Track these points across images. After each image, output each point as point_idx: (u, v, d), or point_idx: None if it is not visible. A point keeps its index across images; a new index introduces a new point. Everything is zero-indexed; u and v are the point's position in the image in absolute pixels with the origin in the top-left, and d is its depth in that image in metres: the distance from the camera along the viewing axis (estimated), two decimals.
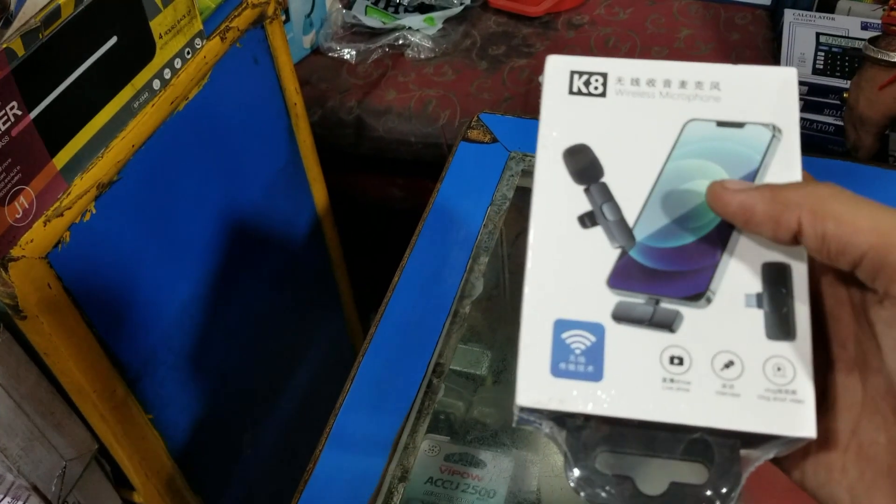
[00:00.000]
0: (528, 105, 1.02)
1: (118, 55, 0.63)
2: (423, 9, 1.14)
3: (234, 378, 0.90)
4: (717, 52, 1.08)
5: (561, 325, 0.29)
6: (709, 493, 0.27)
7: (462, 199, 0.60)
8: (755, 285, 0.29)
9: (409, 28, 1.10)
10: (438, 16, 1.12)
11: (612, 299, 0.29)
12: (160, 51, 0.68)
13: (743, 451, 0.28)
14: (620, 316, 0.29)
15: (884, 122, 0.87)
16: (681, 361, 0.28)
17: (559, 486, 0.55)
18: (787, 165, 0.30)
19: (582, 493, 0.28)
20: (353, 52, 1.10)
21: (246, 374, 0.93)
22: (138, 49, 0.65)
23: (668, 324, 0.28)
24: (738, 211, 0.28)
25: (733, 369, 0.28)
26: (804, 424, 0.27)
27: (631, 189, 0.31)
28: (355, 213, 1.19)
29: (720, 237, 0.29)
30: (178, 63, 0.70)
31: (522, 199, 0.63)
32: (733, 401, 0.27)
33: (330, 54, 1.11)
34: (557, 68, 0.33)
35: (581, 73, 0.32)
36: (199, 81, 0.74)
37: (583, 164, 0.31)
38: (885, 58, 0.81)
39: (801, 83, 1.08)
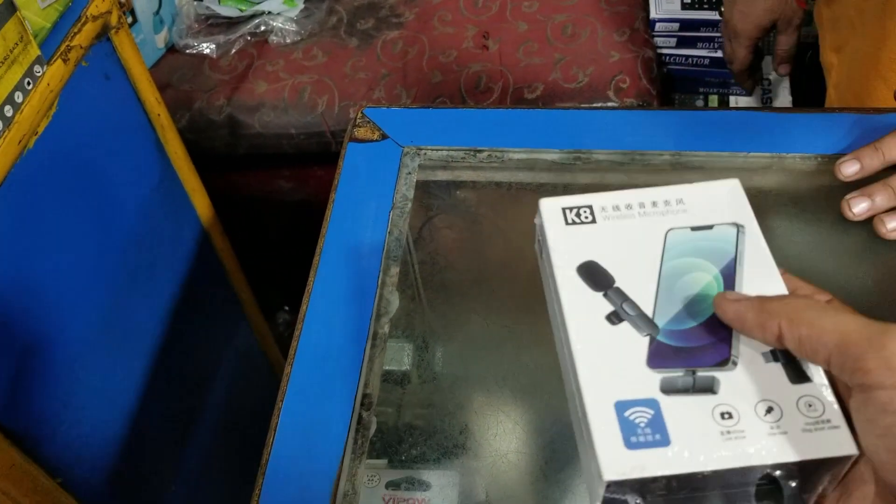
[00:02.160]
0: (407, 80, 0.98)
1: None
2: None
3: (144, 415, 0.85)
4: None
5: (621, 406, 0.33)
6: None
7: (360, 206, 0.56)
8: (764, 345, 0.34)
9: (269, 13, 1.04)
10: None
11: (655, 377, 0.34)
12: None
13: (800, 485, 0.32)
14: (667, 389, 0.33)
15: (756, 34, 0.89)
16: (730, 415, 0.32)
17: (509, 492, 0.54)
18: (756, 252, 0.37)
19: None
20: (213, 46, 1.03)
21: (157, 407, 0.88)
22: None
23: (709, 388, 0.33)
24: (734, 318, 0.34)
25: (774, 413, 0.32)
26: (846, 444, 0.31)
27: (640, 289, 0.36)
28: (243, 214, 1.13)
29: None
30: (18, 97, 0.63)
31: (423, 195, 0.60)
32: (784, 438, 0.31)
33: (188, 51, 1.04)
34: (551, 208, 0.39)
35: (571, 208, 0.39)
36: (46, 112, 0.66)
37: (596, 276, 0.37)
38: None
39: (671, 20, 1.08)
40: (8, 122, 0.62)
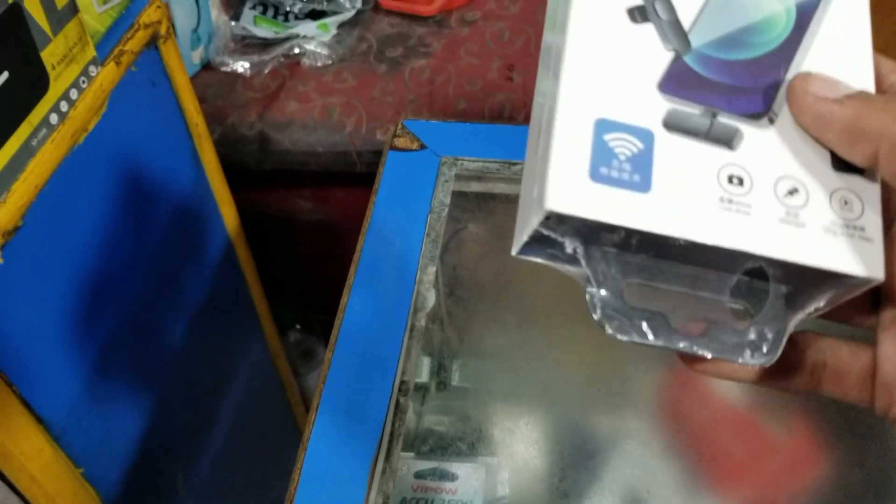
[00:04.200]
0: (433, 105, 1.02)
1: (11, 91, 0.58)
2: (314, 15, 1.12)
3: (161, 417, 0.86)
4: None
5: (603, 126, 0.25)
6: (752, 337, 0.24)
7: (399, 210, 0.59)
8: None
9: (304, 36, 1.08)
10: (332, 21, 1.09)
11: (663, 105, 0.25)
12: (54, 82, 0.63)
13: (789, 293, 0.25)
14: (673, 124, 0.25)
15: None
16: (741, 182, 0.24)
17: (529, 489, 0.55)
18: (854, 7, 0.28)
19: (607, 327, 0.24)
20: (247, 65, 1.07)
21: (173, 411, 0.89)
22: (31, 83, 0.61)
23: (727, 140, 0.25)
24: (813, 119, 0.25)
25: (798, 197, 0.24)
26: (872, 264, 0.24)
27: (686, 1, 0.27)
28: (262, 231, 1.16)
29: (785, 56, 0.26)
30: (74, 94, 0.66)
31: (457, 204, 0.63)
32: (798, 231, 0.24)
33: (222, 69, 1.07)
34: None
35: None
36: (97, 111, 0.69)
37: None
38: None
39: None
40: (63, 116, 0.65)
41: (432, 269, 0.56)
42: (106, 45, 0.71)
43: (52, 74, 0.63)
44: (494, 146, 0.63)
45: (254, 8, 1.12)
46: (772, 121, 0.26)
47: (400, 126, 0.64)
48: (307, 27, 1.08)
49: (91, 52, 0.68)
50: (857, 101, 0.24)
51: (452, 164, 0.62)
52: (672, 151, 0.25)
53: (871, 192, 0.25)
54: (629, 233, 0.24)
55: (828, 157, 0.25)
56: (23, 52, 0.59)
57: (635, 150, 0.24)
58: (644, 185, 0.24)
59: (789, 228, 0.24)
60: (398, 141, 0.63)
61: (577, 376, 0.60)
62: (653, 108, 0.25)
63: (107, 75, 0.70)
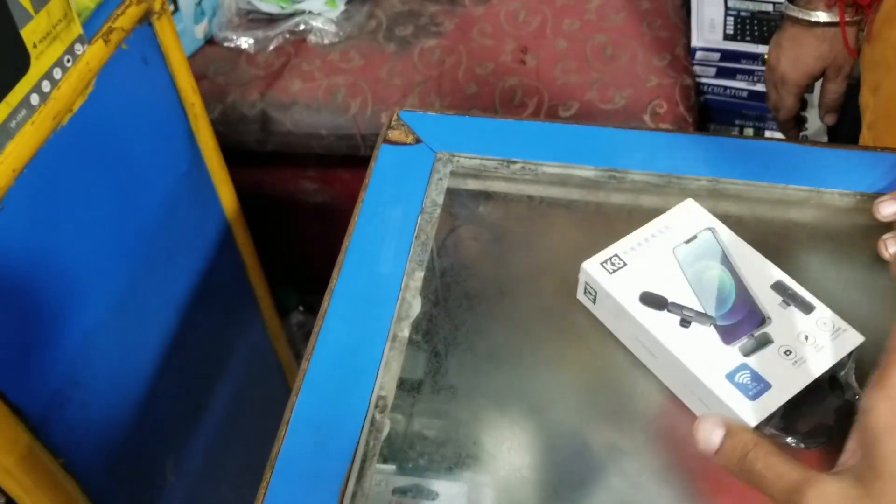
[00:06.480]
0: (441, 88, 0.98)
1: None
2: None
3: (151, 404, 0.84)
4: (629, 21, 1.06)
5: (729, 375, 0.46)
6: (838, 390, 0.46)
7: (389, 208, 0.56)
8: (777, 298, 0.49)
9: (310, 12, 1.04)
10: None
11: (734, 349, 0.47)
12: (35, 61, 0.60)
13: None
14: (746, 353, 0.47)
15: (805, 82, 0.86)
16: (788, 352, 0.46)
17: None
18: (736, 246, 0.52)
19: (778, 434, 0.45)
20: (251, 41, 1.03)
21: (164, 397, 0.87)
22: (10, 62, 0.58)
23: (768, 342, 0.47)
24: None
25: (811, 337, 0.47)
26: (856, 337, 0.47)
27: (684, 296, 0.49)
28: (265, 212, 1.13)
29: (744, 287, 0.50)
30: (57, 73, 0.63)
31: (452, 202, 0.59)
32: (824, 350, 0.46)
33: (226, 44, 1.04)
34: (593, 265, 0.51)
35: (606, 260, 0.51)
36: (83, 91, 0.66)
37: (654, 300, 0.49)
38: (805, 17, 0.80)
39: (712, 50, 1.07)
40: (45, 97, 0.62)
41: (420, 275, 0.53)
42: (95, 21, 0.68)
43: (33, 53, 0.60)
44: (494, 142, 0.60)
45: None
46: (770, 319, 0.48)
47: (395, 117, 0.61)
48: (314, 3, 1.05)
49: (77, 29, 0.65)
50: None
51: (448, 161, 0.58)
52: (759, 363, 0.46)
53: (829, 313, 0.48)
54: (781, 407, 0.45)
55: (799, 313, 0.48)
56: (0, 29, 0.56)
57: (750, 374, 0.46)
58: (767, 385, 0.45)
59: (820, 352, 0.47)
60: (392, 133, 0.60)
61: (571, 392, 0.57)
62: (733, 353, 0.47)
63: (94, 53, 0.67)
